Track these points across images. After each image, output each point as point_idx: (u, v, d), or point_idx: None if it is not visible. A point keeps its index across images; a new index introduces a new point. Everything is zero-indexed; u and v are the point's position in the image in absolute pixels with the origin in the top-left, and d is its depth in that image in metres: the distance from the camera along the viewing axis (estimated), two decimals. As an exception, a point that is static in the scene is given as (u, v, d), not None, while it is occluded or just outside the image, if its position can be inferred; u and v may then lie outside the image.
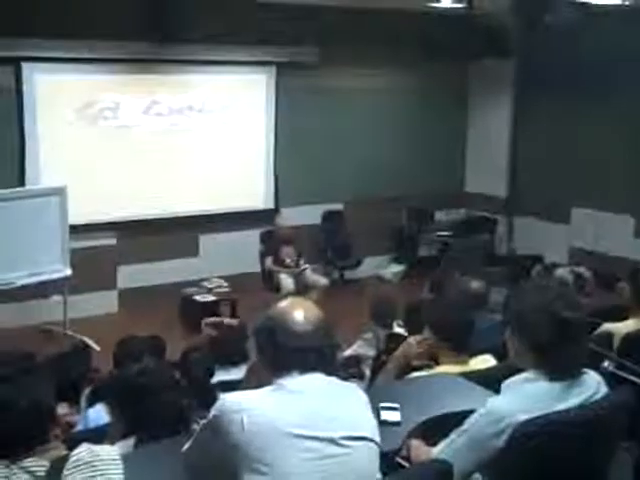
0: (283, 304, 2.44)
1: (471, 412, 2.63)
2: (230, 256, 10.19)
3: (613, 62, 9.54)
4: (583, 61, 9.84)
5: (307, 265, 9.82)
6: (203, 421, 2.38)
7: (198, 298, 9.30)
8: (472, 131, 12.18)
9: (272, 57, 10.33)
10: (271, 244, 10.00)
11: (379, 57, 10.75)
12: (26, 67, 8.94)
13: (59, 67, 9.15)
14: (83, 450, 2.41)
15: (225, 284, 9.62)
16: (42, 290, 8.61)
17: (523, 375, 2.62)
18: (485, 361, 3.95)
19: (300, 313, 2.38)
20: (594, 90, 9.89)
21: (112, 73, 9.55)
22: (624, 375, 3.25)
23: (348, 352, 6.26)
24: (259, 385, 2.34)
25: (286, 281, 9.49)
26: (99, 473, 2.35)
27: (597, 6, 7.81)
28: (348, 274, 11.19)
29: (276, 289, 9.48)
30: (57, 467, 2.36)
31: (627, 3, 7.63)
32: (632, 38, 9.29)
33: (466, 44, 10.67)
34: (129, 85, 9.69)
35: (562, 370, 2.58)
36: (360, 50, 10.52)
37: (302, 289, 9.35)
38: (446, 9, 9.09)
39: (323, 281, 9.77)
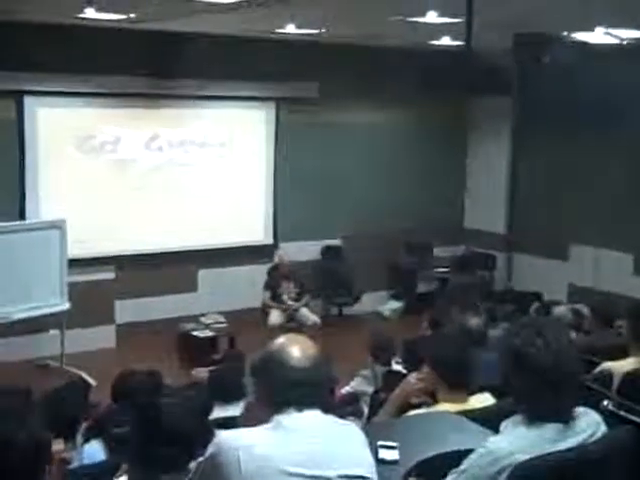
0: (280, 340, 2.44)
1: (470, 451, 2.60)
2: (229, 291, 10.19)
3: (612, 99, 9.60)
4: (582, 98, 9.90)
5: (305, 301, 9.79)
6: (200, 459, 2.36)
7: (196, 333, 9.27)
8: (471, 167, 12.22)
9: (272, 93, 10.41)
10: (271, 279, 9.98)
11: (378, 93, 10.82)
12: (28, 100, 9.01)
13: (61, 100, 9.22)
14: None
15: (223, 319, 9.59)
16: (39, 324, 8.60)
17: (521, 415, 2.59)
18: (484, 400, 3.92)
19: (297, 349, 2.38)
20: (593, 127, 9.95)
21: (113, 107, 9.62)
22: (624, 414, 3.22)
23: (346, 389, 6.23)
24: (257, 422, 2.32)
25: (274, 316, 9.46)
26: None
27: (595, 45, 7.87)
28: (347, 310, 11.17)
29: (270, 324, 9.46)
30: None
31: (624, 42, 7.68)
32: (630, 75, 9.35)
33: (465, 81, 10.71)
34: (130, 119, 9.75)
35: (542, 418, 2.51)
36: (359, 86, 10.60)
37: (292, 326, 9.29)
38: (445, 46, 9.17)
39: (313, 319, 9.68)
